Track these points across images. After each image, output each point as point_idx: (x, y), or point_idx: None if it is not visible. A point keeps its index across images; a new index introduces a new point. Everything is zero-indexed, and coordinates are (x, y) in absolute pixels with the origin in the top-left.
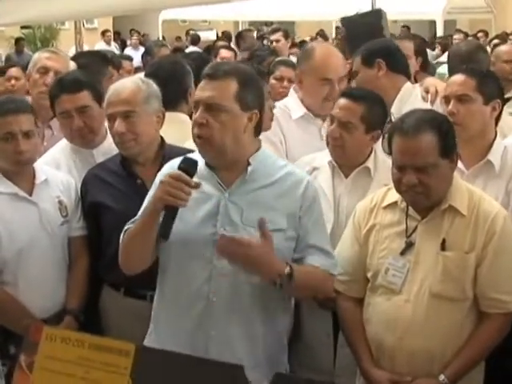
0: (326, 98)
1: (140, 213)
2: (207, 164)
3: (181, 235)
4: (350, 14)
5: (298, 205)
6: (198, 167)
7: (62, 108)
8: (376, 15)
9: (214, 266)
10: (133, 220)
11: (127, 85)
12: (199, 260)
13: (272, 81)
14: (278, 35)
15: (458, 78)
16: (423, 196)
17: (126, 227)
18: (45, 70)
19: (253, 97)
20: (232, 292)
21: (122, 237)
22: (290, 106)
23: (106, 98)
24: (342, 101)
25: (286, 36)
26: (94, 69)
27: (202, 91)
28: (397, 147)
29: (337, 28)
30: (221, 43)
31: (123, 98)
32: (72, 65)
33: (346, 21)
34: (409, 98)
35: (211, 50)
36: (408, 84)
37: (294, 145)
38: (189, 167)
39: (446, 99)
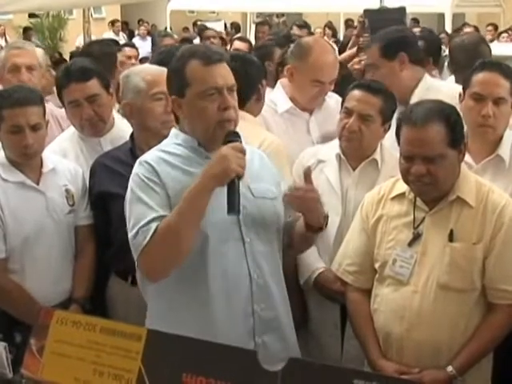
0: (314, 96)
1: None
2: (199, 147)
3: (211, 222)
4: (372, 7)
5: (277, 172)
6: (188, 154)
7: (71, 97)
8: (400, 12)
9: (246, 242)
10: (149, 219)
11: (160, 68)
12: (232, 241)
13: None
14: (303, 32)
15: (496, 78)
16: (431, 186)
17: (151, 223)
18: (16, 68)
19: None
20: (267, 264)
21: (148, 236)
22: (275, 101)
23: (145, 78)
24: (359, 93)
25: (310, 34)
26: None
27: (221, 77)
28: (405, 137)
29: (359, 21)
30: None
31: None
32: (42, 54)
33: (368, 13)
34: (430, 92)
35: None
36: (426, 77)
37: (280, 139)
38: (237, 138)
39: (479, 96)
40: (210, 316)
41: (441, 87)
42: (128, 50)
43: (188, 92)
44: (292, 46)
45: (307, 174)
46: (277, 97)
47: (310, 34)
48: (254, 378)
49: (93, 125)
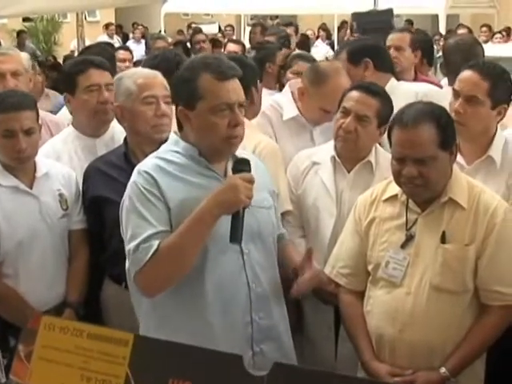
0: (317, 121)
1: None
2: (199, 157)
3: (212, 234)
4: (360, 10)
5: (270, 180)
6: (186, 163)
7: (90, 81)
8: (388, 14)
9: (244, 252)
10: (149, 235)
11: (153, 72)
12: (231, 252)
13: (289, 75)
14: (291, 30)
15: (473, 76)
16: (422, 188)
17: (151, 239)
18: (0, 75)
19: None
20: (265, 273)
21: (149, 254)
22: (282, 105)
23: (136, 81)
24: (357, 94)
25: (297, 31)
26: None
27: (234, 93)
28: (396, 139)
29: (352, 23)
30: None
31: (160, 82)
32: (26, 58)
33: (357, 16)
34: (391, 95)
35: (215, 43)
36: (392, 80)
37: (283, 146)
38: (247, 167)
39: (455, 93)
40: (207, 326)
41: (402, 88)
42: (122, 53)
43: (199, 105)
44: (309, 66)
45: (309, 257)
46: (284, 101)
47: (297, 31)
48: (240, 383)
49: (106, 111)
